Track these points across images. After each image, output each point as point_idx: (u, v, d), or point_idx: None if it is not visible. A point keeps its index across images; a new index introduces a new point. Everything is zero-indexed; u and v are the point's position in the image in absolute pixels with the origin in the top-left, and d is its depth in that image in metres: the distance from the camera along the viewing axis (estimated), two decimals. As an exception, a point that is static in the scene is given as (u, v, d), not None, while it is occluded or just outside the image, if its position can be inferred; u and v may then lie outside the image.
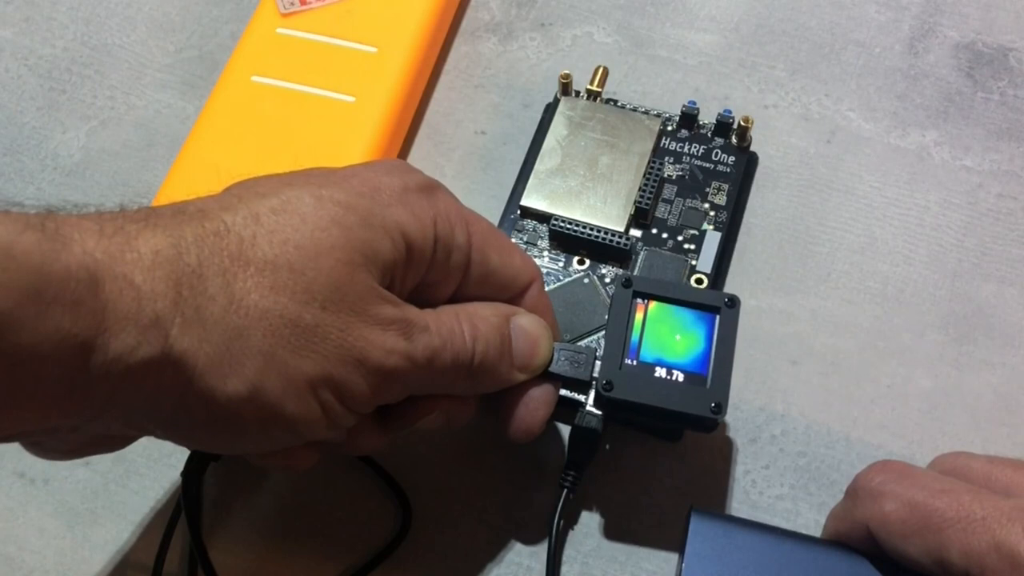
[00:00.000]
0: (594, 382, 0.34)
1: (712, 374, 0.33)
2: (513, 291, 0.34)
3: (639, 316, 0.34)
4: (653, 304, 0.34)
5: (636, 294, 0.34)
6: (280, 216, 0.28)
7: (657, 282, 0.35)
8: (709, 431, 0.35)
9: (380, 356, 0.29)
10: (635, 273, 0.40)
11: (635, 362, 0.34)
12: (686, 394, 0.33)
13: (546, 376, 0.34)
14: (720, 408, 0.33)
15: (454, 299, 0.33)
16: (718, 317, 0.34)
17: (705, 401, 0.33)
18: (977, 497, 0.28)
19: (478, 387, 0.33)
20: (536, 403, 0.34)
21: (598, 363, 0.34)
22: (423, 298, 0.32)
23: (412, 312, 0.30)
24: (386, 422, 0.33)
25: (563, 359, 0.34)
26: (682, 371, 0.33)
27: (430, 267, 0.31)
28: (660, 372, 0.33)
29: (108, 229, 0.26)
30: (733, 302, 0.34)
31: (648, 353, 0.34)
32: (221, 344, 0.27)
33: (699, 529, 0.32)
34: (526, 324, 0.33)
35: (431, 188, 0.32)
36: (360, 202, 0.30)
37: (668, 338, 0.34)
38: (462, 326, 0.31)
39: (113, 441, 0.30)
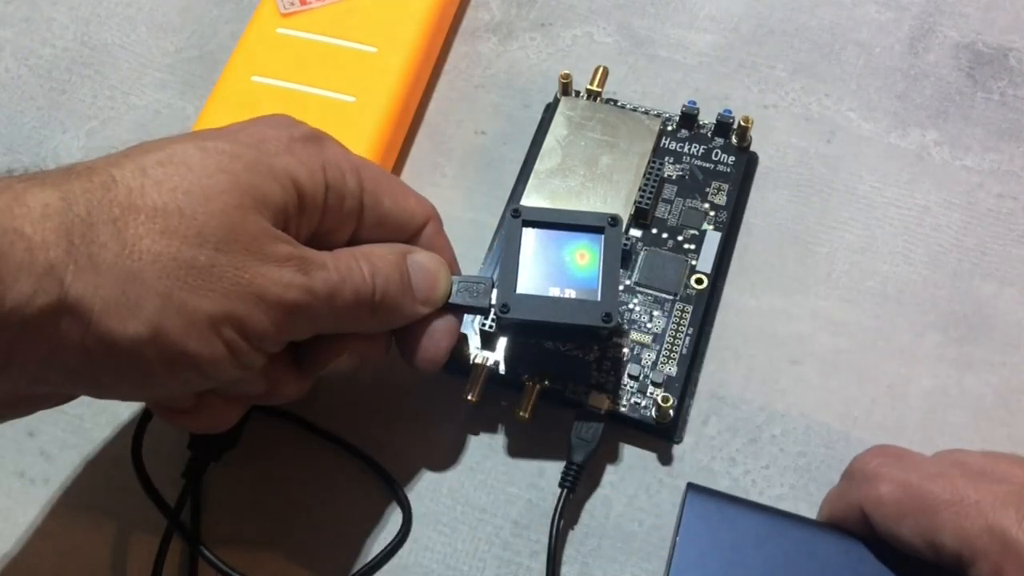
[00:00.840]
0: (492, 308, 0.35)
1: (601, 288, 0.35)
2: (409, 232, 0.35)
3: (530, 242, 0.36)
4: (542, 230, 0.36)
5: (525, 223, 0.36)
6: (167, 167, 0.29)
7: (544, 210, 0.37)
8: (603, 342, 0.38)
9: (279, 291, 0.29)
10: (634, 272, 0.40)
11: (529, 285, 0.35)
12: (578, 308, 0.35)
13: (447, 308, 0.35)
14: (610, 317, 0.34)
15: (351, 244, 0.34)
16: (603, 236, 0.35)
17: (596, 313, 0.34)
18: (972, 481, 0.29)
19: (383, 323, 0.34)
20: (439, 334, 0.35)
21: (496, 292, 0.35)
22: (320, 245, 0.32)
23: (308, 251, 0.31)
24: (302, 365, 0.34)
25: (463, 290, 0.35)
26: (574, 289, 0.35)
27: (324, 214, 0.32)
28: (553, 291, 0.35)
29: None
30: (616, 221, 0.35)
31: (541, 276, 0.35)
32: (117, 288, 0.27)
33: (695, 505, 0.33)
34: (423, 260, 0.34)
35: (318, 138, 0.33)
36: (246, 151, 0.30)
37: (559, 260, 0.36)
38: (360, 264, 0.32)
39: (24, 403, 0.30)
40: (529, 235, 0.36)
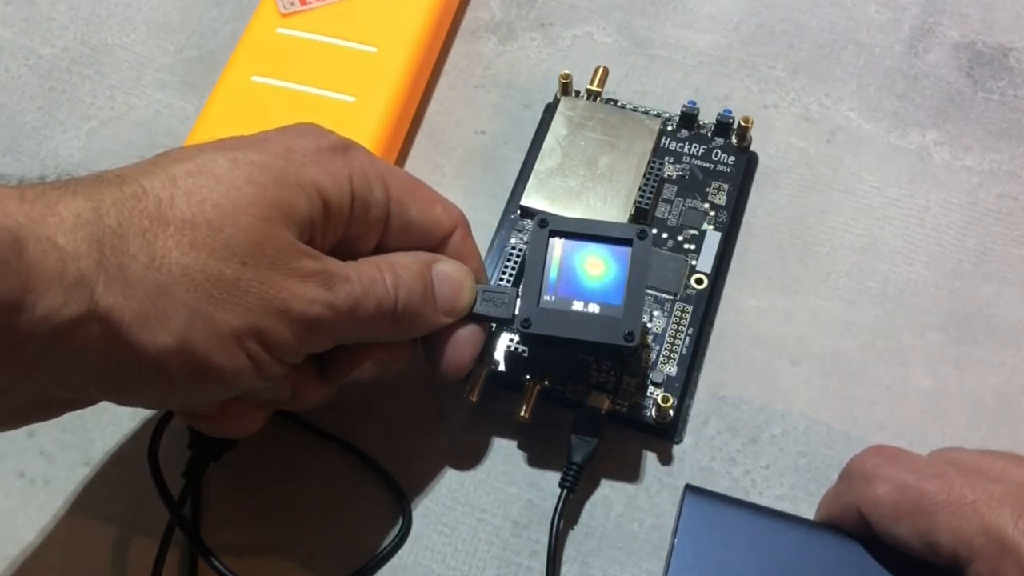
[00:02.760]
0: (515, 319, 0.35)
1: (625, 304, 0.34)
2: (436, 239, 0.35)
3: (556, 254, 0.35)
4: (569, 241, 0.35)
5: (552, 232, 0.35)
6: (196, 178, 0.29)
7: (571, 220, 0.36)
8: (626, 358, 0.37)
9: (302, 306, 0.30)
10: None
11: (552, 298, 0.35)
12: (600, 325, 0.34)
13: (471, 317, 0.35)
14: (633, 336, 0.34)
15: (377, 251, 0.34)
16: (631, 249, 0.35)
17: (618, 331, 0.34)
18: (968, 481, 0.29)
19: (405, 333, 0.34)
20: (463, 343, 0.35)
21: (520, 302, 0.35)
22: (346, 253, 0.33)
23: (333, 264, 0.31)
24: (325, 373, 0.34)
25: (487, 300, 0.35)
26: (597, 303, 0.35)
27: (349, 223, 0.32)
28: (576, 306, 0.35)
29: (29, 195, 0.27)
30: (644, 233, 0.35)
31: (564, 288, 0.35)
32: (146, 300, 0.27)
33: (693, 506, 0.33)
34: (448, 269, 0.34)
35: (345, 147, 0.33)
36: (275, 162, 0.30)
37: (583, 273, 0.35)
38: (383, 275, 0.32)
39: (49, 407, 0.31)
40: (555, 245, 0.35)
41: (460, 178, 0.44)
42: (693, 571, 0.32)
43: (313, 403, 0.35)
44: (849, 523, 0.32)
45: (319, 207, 0.31)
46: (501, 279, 0.39)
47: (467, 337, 0.35)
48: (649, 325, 0.39)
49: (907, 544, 0.29)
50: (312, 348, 0.32)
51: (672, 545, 0.32)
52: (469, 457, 0.38)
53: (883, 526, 0.30)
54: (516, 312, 0.35)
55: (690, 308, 0.39)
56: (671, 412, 0.37)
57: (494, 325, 0.38)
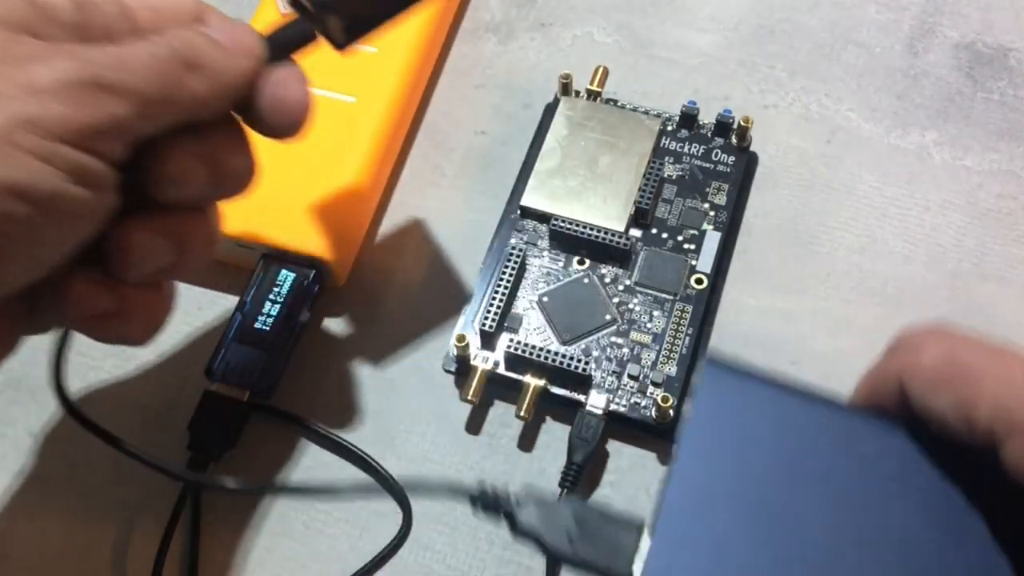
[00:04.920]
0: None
1: None
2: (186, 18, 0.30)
3: None
4: None
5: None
6: None
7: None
8: None
9: (53, 74, 0.25)
10: (634, 272, 0.40)
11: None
12: None
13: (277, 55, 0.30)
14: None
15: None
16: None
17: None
18: None
19: (209, 87, 0.28)
20: (284, 78, 0.29)
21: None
22: None
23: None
24: (161, 192, 0.28)
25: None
26: None
27: (82, 27, 0.27)
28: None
29: None
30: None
31: None
32: None
33: (713, 380, 0.27)
34: (214, 21, 0.29)
35: None
36: None
37: None
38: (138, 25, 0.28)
39: None
40: None
41: (460, 178, 0.44)
42: (705, 460, 0.26)
43: (203, 253, 0.30)
44: (886, 397, 0.28)
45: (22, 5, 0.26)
46: (501, 279, 0.39)
47: (286, 74, 0.29)
48: (649, 325, 0.39)
49: (943, 419, 0.26)
50: (104, 119, 0.26)
51: (683, 432, 0.27)
52: (469, 457, 0.38)
53: (921, 395, 0.27)
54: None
55: (690, 308, 0.39)
56: (671, 412, 0.37)
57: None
